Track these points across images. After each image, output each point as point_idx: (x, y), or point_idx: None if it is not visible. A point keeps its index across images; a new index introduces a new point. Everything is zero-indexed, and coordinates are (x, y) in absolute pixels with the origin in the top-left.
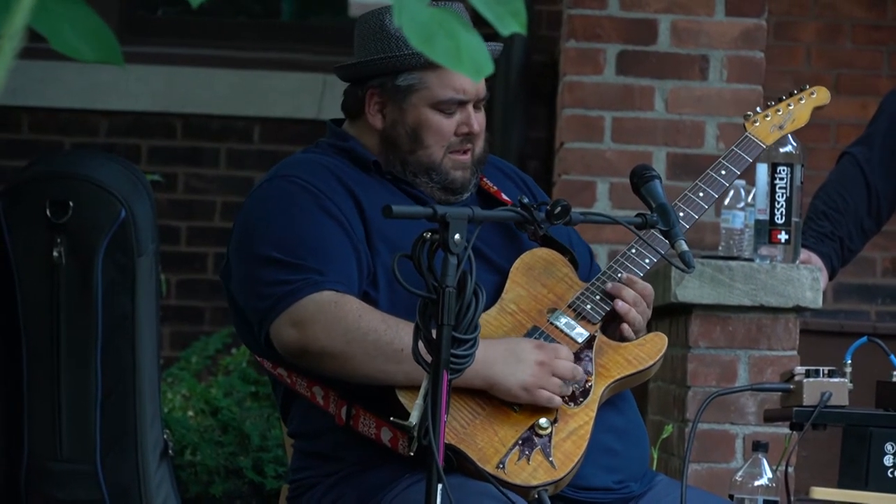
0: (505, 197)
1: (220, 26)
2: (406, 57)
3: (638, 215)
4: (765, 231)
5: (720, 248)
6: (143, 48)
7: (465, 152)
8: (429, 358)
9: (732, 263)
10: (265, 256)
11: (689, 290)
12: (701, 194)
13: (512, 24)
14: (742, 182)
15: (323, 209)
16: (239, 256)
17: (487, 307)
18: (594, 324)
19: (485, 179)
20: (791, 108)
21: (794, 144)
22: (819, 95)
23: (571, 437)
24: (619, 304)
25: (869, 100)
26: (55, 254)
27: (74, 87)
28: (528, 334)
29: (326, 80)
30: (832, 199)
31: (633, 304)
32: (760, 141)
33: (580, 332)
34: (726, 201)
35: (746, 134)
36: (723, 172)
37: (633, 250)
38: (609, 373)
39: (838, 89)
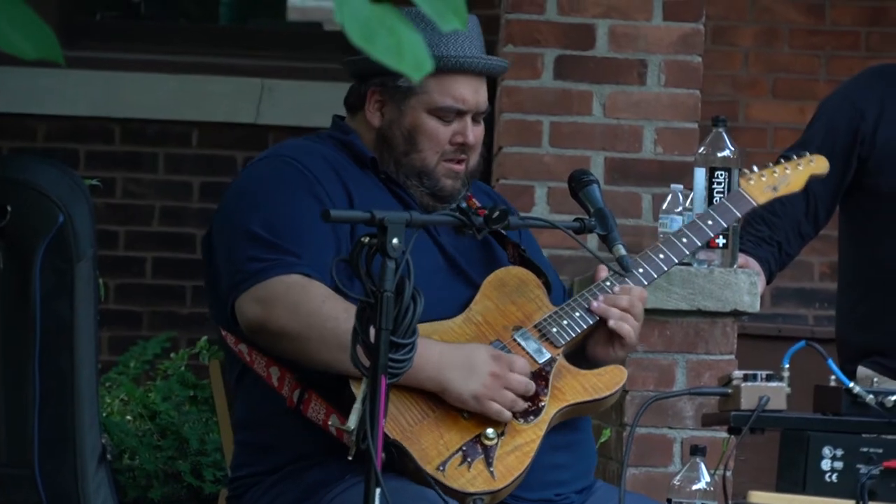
0: None
1: (158, 30)
2: None
3: (576, 220)
4: None
5: None
6: (81, 52)
7: (459, 162)
8: (367, 362)
9: None
10: (247, 230)
11: None
12: (684, 240)
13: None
14: (679, 186)
15: (313, 195)
16: (223, 225)
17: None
18: (557, 347)
19: (472, 199)
20: (788, 172)
21: (732, 149)
22: (818, 163)
23: (515, 453)
24: (612, 322)
25: (806, 104)
26: None
27: (12, 91)
28: None
29: (265, 85)
30: (770, 203)
31: (630, 307)
32: (752, 198)
33: (541, 353)
34: (664, 205)
35: (739, 189)
36: (709, 222)
37: (608, 282)
38: (564, 396)
39: (775, 93)
